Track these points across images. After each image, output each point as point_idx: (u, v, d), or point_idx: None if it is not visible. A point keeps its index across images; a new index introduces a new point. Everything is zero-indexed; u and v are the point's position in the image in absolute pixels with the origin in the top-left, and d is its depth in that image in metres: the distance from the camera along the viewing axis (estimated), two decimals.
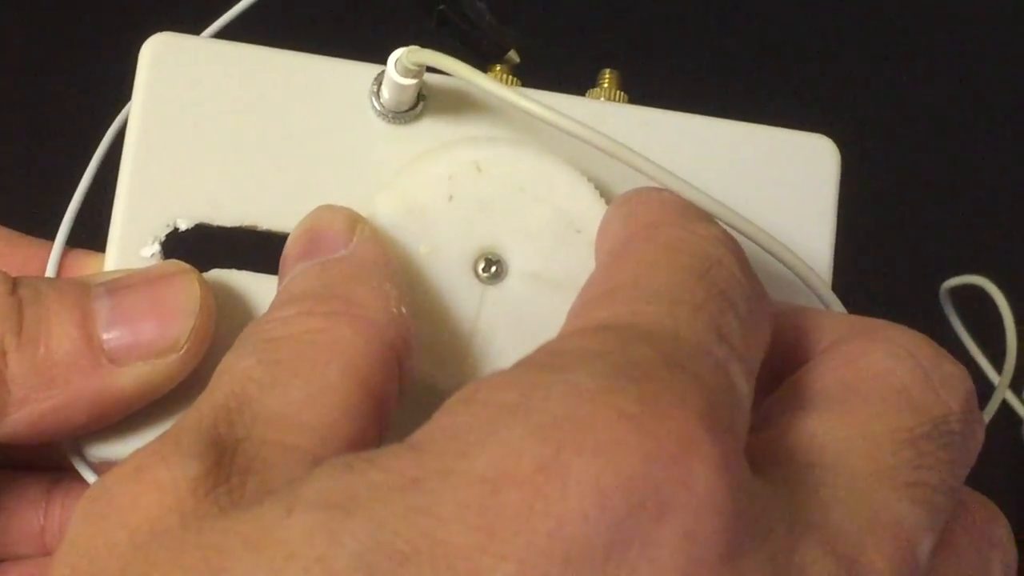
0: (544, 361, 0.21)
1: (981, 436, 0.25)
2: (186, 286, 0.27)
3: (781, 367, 0.26)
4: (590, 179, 0.29)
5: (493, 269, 0.29)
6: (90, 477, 0.28)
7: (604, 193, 0.29)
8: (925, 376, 0.24)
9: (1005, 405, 0.48)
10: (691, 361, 0.21)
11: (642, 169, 0.26)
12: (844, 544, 0.21)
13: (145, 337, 0.27)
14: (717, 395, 0.21)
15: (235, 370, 0.24)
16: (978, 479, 0.25)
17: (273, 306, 0.26)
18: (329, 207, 0.28)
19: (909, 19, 0.57)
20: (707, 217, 0.26)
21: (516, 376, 0.21)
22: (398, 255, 0.28)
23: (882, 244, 0.52)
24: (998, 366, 0.44)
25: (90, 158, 0.31)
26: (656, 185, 0.27)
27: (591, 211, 0.29)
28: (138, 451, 0.22)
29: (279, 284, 0.27)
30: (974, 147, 0.55)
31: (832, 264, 0.31)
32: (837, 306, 0.28)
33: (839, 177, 0.31)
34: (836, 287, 0.30)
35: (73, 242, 0.31)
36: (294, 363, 0.24)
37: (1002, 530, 0.25)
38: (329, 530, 0.19)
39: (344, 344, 0.24)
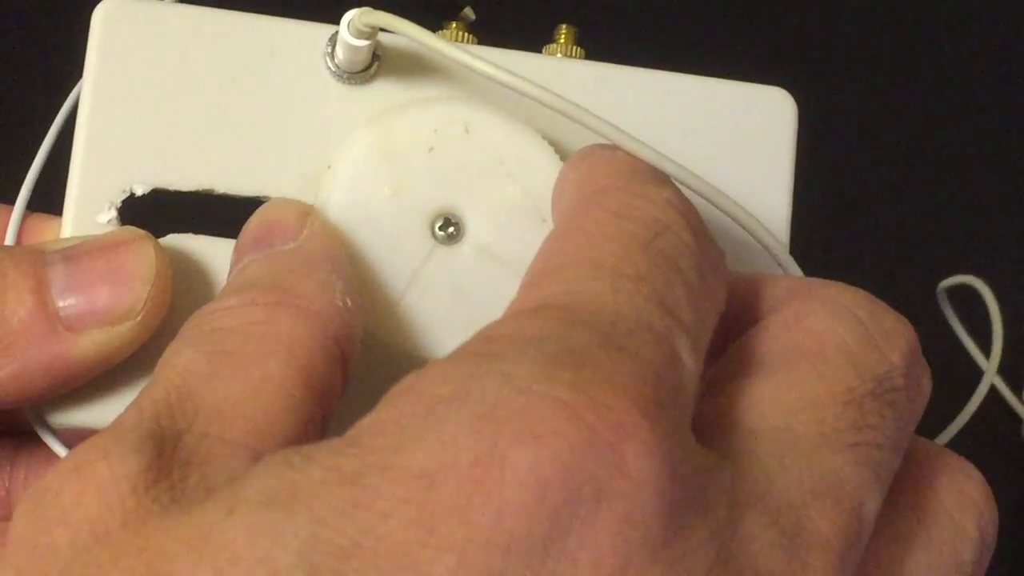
0: (480, 349, 0.21)
1: (928, 386, 0.25)
2: (141, 252, 0.27)
3: (726, 333, 0.26)
4: (550, 142, 0.29)
5: (450, 230, 0.29)
6: (54, 444, 0.28)
7: None
8: (866, 332, 0.24)
9: (1005, 405, 0.49)
10: (631, 340, 0.21)
11: (594, 127, 0.26)
12: (788, 512, 0.22)
13: (101, 304, 0.27)
14: (657, 373, 0.21)
15: (176, 362, 0.24)
16: None
17: (219, 296, 0.26)
18: (283, 200, 0.28)
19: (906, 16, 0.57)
20: (658, 177, 0.25)
21: (452, 367, 0.21)
22: (360, 195, 0.28)
23: (880, 244, 0.52)
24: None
25: (50, 124, 0.31)
26: (609, 142, 0.27)
27: None
28: (79, 447, 0.22)
29: (229, 275, 0.27)
30: (974, 145, 0.55)
31: (790, 217, 0.31)
32: (792, 266, 0.28)
33: (796, 129, 0.31)
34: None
35: (36, 207, 0.31)
36: (235, 355, 0.24)
37: (977, 490, 0.25)
38: (271, 530, 0.19)
39: (286, 336, 0.24)
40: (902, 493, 0.24)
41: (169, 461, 0.22)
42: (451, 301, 0.28)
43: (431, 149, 0.28)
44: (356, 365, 0.26)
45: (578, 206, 0.25)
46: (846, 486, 0.22)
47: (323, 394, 0.24)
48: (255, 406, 0.23)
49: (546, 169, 0.29)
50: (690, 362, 0.22)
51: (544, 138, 0.29)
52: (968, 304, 0.48)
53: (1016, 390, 0.49)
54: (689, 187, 0.26)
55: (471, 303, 0.28)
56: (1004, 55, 0.56)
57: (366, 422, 0.21)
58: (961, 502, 0.25)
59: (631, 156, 0.26)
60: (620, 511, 0.19)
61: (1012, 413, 0.49)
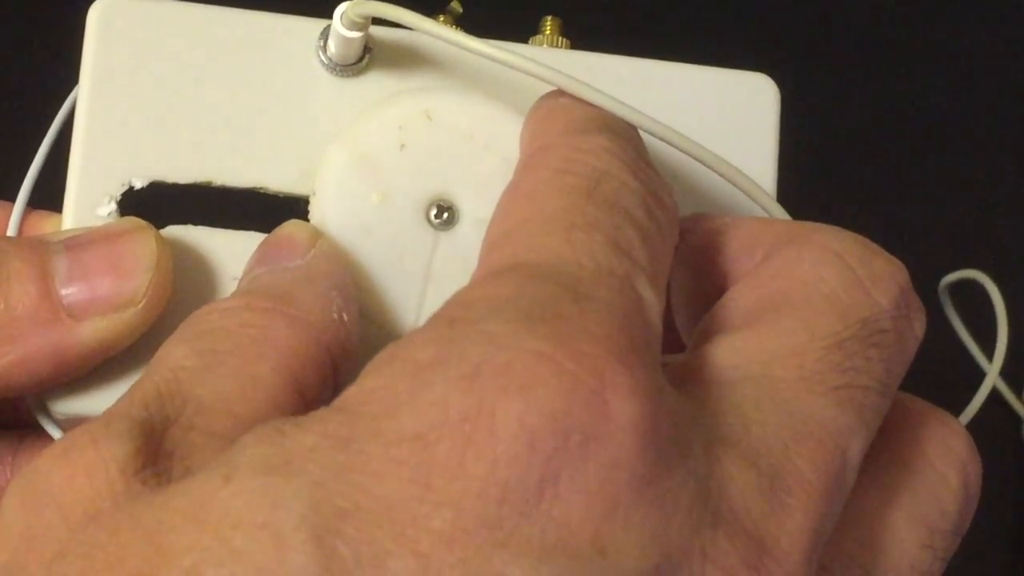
0: (456, 315, 0.22)
1: (921, 328, 0.25)
2: (142, 241, 0.28)
3: (722, 283, 0.26)
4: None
5: (445, 216, 0.29)
6: (54, 432, 0.28)
7: None
8: (854, 277, 0.24)
9: (1005, 405, 0.48)
10: (594, 287, 0.22)
11: (591, 99, 0.27)
12: (768, 455, 0.22)
13: (103, 292, 0.27)
14: (625, 316, 0.22)
15: (169, 358, 0.25)
16: None
17: (219, 300, 0.26)
18: (295, 223, 0.28)
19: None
20: (594, 126, 0.26)
21: (432, 333, 0.21)
22: (351, 211, 0.29)
23: (878, 240, 0.53)
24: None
25: (51, 122, 0.32)
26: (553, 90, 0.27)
27: None
28: (69, 433, 0.23)
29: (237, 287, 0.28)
30: (974, 143, 0.55)
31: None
32: (778, 210, 0.28)
33: (779, 114, 0.32)
34: None
35: (37, 204, 0.31)
36: (226, 354, 0.24)
37: (961, 443, 0.25)
38: (270, 495, 0.20)
39: (279, 341, 0.25)
40: (885, 443, 0.25)
41: (156, 448, 0.22)
42: (468, 279, 0.29)
43: (402, 146, 0.29)
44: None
45: (525, 167, 0.26)
46: (828, 428, 0.22)
47: (311, 402, 0.25)
48: (242, 404, 0.24)
49: (514, 128, 0.29)
50: (652, 299, 0.23)
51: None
52: (969, 302, 0.48)
53: (1017, 390, 0.49)
54: (667, 141, 0.27)
55: None
56: (1007, 42, 0.56)
57: (352, 391, 0.21)
58: (944, 454, 0.25)
59: (569, 106, 0.27)
60: (606, 454, 0.20)
61: (1012, 413, 0.48)
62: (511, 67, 0.27)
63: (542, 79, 0.27)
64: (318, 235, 0.28)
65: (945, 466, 0.25)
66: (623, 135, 0.26)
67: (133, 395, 0.24)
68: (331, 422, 0.21)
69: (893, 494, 0.24)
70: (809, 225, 0.26)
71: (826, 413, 0.23)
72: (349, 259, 0.28)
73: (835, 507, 0.22)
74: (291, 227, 0.28)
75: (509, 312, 0.21)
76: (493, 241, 0.24)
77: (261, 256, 0.28)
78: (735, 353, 0.24)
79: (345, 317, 0.26)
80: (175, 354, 0.25)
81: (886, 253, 0.25)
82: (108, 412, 0.23)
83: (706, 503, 0.21)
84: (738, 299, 0.25)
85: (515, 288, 0.22)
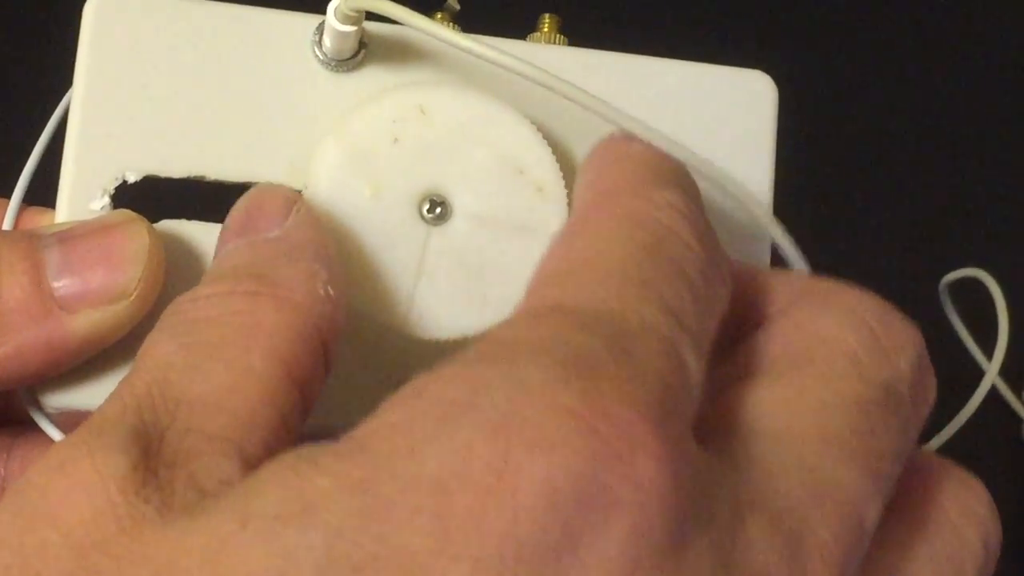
0: (492, 352, 0.21)
1: (933, 395, 0.25)
2: (134, 234, 0.27)
3: (735, 330, 0.26)
4: (533, 121, 0.30)
5: (438, 210, 0.29)
6: (46, 426, 0.28)
7: (547, 135, 0.30)
8: (875, 339, 0.24)
9: (1005, 405, 0.48)
10: (637, 345, 0.22)
11: (585, 103, 0.27)
12: (790, 519, 0.22)
13: (95, 284, 0.27)
14: (664, 380, 0.21)
15: (156, 353, 0.24)
16: (978, 478, 0.25)
17: (200, 284, 0.26)
18: (269, 186, 0.28)
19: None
20: (665, 179, 0.25)
21: (464, 370, 0.21)
22: (343, 204, 0.28)
23: (878, 238, 0.52)
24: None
25: (48, 118, 0.32)
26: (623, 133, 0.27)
27: (533, 152, 0.29)
28: (61, 443, 0.22)
29: (213, 260, 0.27)
30: (974, 143, 0.55)
31: (771, 200, 0.32)
32: (774, 226, 0.28)
33: (777, 113, 0.32)
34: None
35: (35, 201, 0.31)
36: (215, 347, 0.24)
37: (981, 502, 0.25)
38: (285, 545, 0.19)
39: (267, 326, 0.24)
40: (905, 502, 0.24)
41: (155, 460, 0.22)
42: (463, 277, 0.29)
43: (395, 140, 0.29)
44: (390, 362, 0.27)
45: (589, 208, 0.25)
46: (848, 493, 0.22)
47: (304, 385, 0.24)
48: (237, 399, 0.23)
49: (507, 123, 0.29)
50: (695, 366, 0.22)
51: (527, 117, 0.30)
52: (969, 300, 0.47)
53: (1016, 390, 0.49)
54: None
55: (482, 272, 0.29)
56: (1008, 41, 0.56)
57: (374, 425, 0.21)
58: (965, 513, 0.25)
59: (642, 152, 0.26)
60: (629, 520, 0.20)
61: (1012, 413, 0.49)
62: (498, 65, 0.27)
63: (527, 78, 0.27)
64: (294, 198, 0.27)
65: (965, 525, 0.25)
66: (690, 191, 0.25)
67: (124, 397, 0.23)
68: (347, 459, 0.20)
69: (911, 552, 0.24)
70: (828, 281, 0.26)
71: (847, 478, 0.23)
72: (326, 221, 0.28)
73: (851, 572, 0.22)
74: (266, 192, 0.27)
75: (546, 360, 0.21)
76: (545, 276, 0.24)
77: (237, 225, 0.27)
78: (759, 409, 0.23)
79: (331, 291, 0.25)
80: (161, 349, 0.24)
81: (904, 316, 0.25)
82: (100, 418, 0.23)
83: (728, 571, 0.21)
84: (761, 349, 0.25)
85: (555, 333, 0.22)
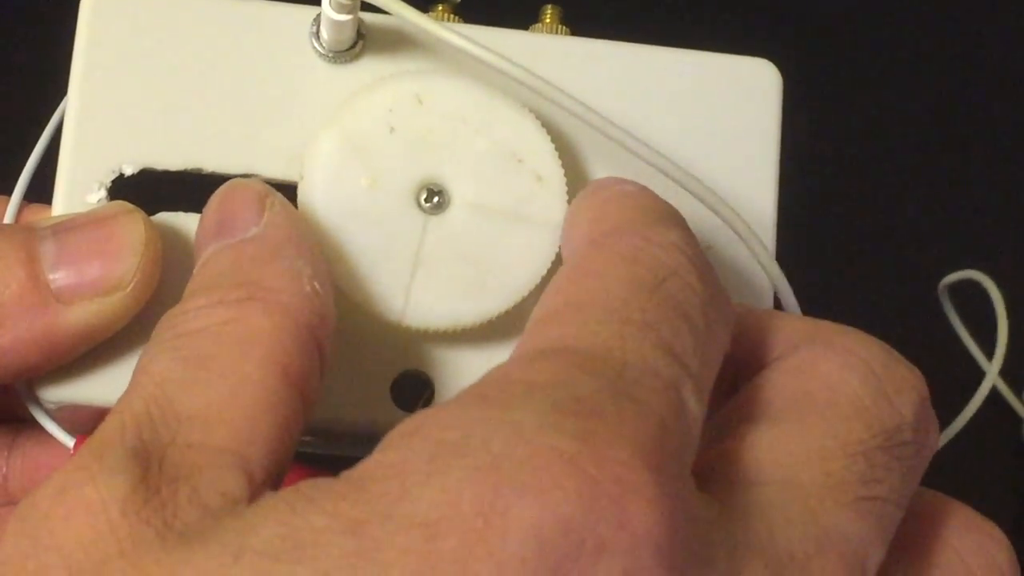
0: (489, 394, 0.21)
1: (935, 440, 0.25)
2: (130, 225, 0.27)
3: (735, 373, 0.26)
4: (532, 109, 0.29)
5: (436, 199, 0.29)
6: (44, 420, 0.28)
7: (546, 123, 0.30)
8: (878, 385, 0.24)
9: (1005, 405, 0.48)
10: (637, 388, 0.21)
11: (567, 107, 0.27)
12: (791, 565, 0.21)
13: (91, 276, 0.27)
14: (662, 422, 0.21)
15: (152, 370, 0.24)
16: (978, 479, 0.25)
17: (187, 294, 0.26)
18: (239, 182, 0.27)
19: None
20: (666, 219, 0.25)
21: (460, 411, 0.21)
22: (340, 195, 0.28)
23: (878, 238, 0.52)
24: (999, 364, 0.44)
25: (49, 117, 0.32)
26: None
27: (532, 141, 0.29)
28: (64, 468, 0.22)
29: (196, 266, 0.27)
30: (974, 142, 0.54)
31: (776, 192, 0.31)
32: (768, 259, 0.28)
33: (781, 101, 0.32)
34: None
35: (37, 199, 0.31)
36: (210, 358, 0.24)
37: (1002, 554, 0.25)
38: None
39: (259, 333, 0.24)
40: (913, 544, 0.24)
41: (156, 478, 0.22)
42: (461, 266, 0.29)
43: (392, 130, 0.29)
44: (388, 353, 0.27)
45: (589, 247, 0.25)
46: (851, 540, 0.22)
47: (303, 385, 0.24)
48: (236, 410, 0.23)
49: (506, 113, 0.29)
50: (695, 409, 0.22)
51: (525, 106, 0.30)
52: (969, 302, 0.47)
53: (1017, 390, 0.49)
54: (670, 177, 0.27)
55: (480, 260, 0.29)
56: (1009, 41, 0.56)
57: (370, 464, 0.21)
58: (985, 564, 0.24)
59: (642, 193, 0.26)
60: (620, 567, 0.19)
61: (1013, 413, 0.48)
62: (492, 67, 0.27)
63: (511, 76, 0.27)
64: (266, 194, 0.27)
65: (978, 567, 0.24)
66: (689, 231, 0.25)
67: (123, 417, 0.23)
68: (343, 500, 0.20)
69: None
70: (831, 325, 0.26)
71: (850, 525, 0.22)
72: (323, 212, 0.28)
73: None
74: (238, 189, 0.27)
75: (541, 402, 0.21)
76: (544, 315, 0.24)
77: (213, 226, 0.27)
78: (761, 453, 0.23)
79: (317, 286, 0.25)
80: (157, 365, 0.24)
81: (907, 362, 0.25)
82: (100, 439, 0.22)
83: None
84: (763, 392, 0.25)
85: (553, 374, 0.21)
